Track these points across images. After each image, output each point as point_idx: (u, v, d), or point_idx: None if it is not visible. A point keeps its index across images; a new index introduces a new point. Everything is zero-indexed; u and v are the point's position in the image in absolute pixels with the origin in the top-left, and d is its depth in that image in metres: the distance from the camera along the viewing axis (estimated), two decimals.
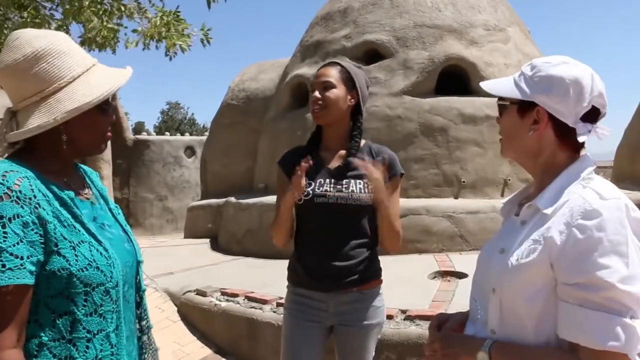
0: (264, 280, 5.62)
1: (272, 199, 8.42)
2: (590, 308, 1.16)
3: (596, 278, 1.15)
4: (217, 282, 5.80)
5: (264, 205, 8.07)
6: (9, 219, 1.21)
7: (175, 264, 7.46)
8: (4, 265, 1.19)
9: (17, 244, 1.21)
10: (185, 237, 11.35)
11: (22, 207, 1.24)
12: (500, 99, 1.47)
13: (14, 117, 1.38)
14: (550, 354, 1.24)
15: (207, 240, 10.00)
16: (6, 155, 1.40)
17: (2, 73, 1.37)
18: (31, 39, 1.36)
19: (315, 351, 2.40)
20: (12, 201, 1.23)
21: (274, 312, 4.63)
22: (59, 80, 1.36)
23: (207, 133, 13.68)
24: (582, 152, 1.40)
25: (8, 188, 1.23)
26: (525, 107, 1.39)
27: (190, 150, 18.06)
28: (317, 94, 2.37)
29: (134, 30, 6.32)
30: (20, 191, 1.25)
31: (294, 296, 2.47)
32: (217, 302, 5.17)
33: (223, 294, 5.37)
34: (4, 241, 1.20)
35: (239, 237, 8.64)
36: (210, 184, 11.66)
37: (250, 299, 5.07)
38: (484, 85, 1.52)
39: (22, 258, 1.22)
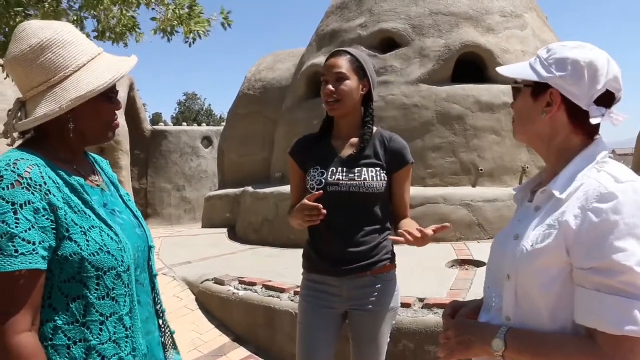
0: (282, 269, 5.64)
1: (288, 188, 8.42)
2: (607, 293, 1.14)
3: (613, 262, 1.13)
4: (235, 271, 5.83)
5: (281, 195, 8.09)
6: (21, 206, 1.24)
7: (193, 253, 7.52)
8: (16, 251, 1.21)
9: (29, 229, 1.23)
10: (203, 226, 11.46)
11: (33, 193, 1.26)
12: (515, 82, 1.45)
13: (22, 107, 1.41)
14: (568, 340, 1.22)
15: (225, 229, 10.09)
16: (17, 144, 1.43)
17: (10, 64, 1.40)
18: (37, 30, 1.39)
19: (330, 337, 2.42)
20: (23, 188, 1.25)
21: (292, 300, 4.64)
22: (64, 70, 1.38)
23: (224, 123, 13.78)
24: (596, 138, 1.37)
25: (19, 175, 1.26)
26: (539, 89, 1.37)
27: (207, 140, 18.17)
28: (330, 87, 2.36)
29: (153, 19, 6.33)
30: (30, 178, 1.27)
31: (308, 282, 2.50)
32: (235, 290, 5.19)
33: (241, 282, 5.39)
34: (16, 227, 1.22)
35: (257, 226, 8.69)
36: (227, 173, 11.73)
37: (268, 287, 5.09)
38: (500, 69, 1.50)
39: (34, 243, 1.24)
